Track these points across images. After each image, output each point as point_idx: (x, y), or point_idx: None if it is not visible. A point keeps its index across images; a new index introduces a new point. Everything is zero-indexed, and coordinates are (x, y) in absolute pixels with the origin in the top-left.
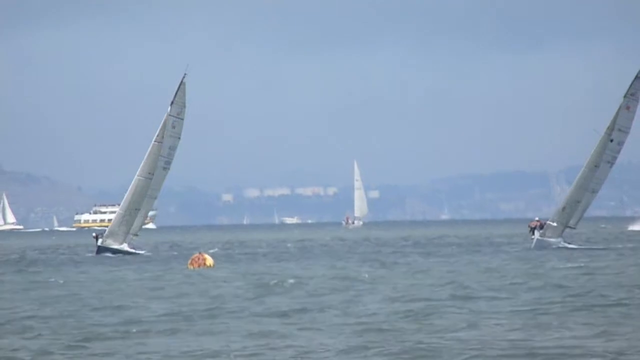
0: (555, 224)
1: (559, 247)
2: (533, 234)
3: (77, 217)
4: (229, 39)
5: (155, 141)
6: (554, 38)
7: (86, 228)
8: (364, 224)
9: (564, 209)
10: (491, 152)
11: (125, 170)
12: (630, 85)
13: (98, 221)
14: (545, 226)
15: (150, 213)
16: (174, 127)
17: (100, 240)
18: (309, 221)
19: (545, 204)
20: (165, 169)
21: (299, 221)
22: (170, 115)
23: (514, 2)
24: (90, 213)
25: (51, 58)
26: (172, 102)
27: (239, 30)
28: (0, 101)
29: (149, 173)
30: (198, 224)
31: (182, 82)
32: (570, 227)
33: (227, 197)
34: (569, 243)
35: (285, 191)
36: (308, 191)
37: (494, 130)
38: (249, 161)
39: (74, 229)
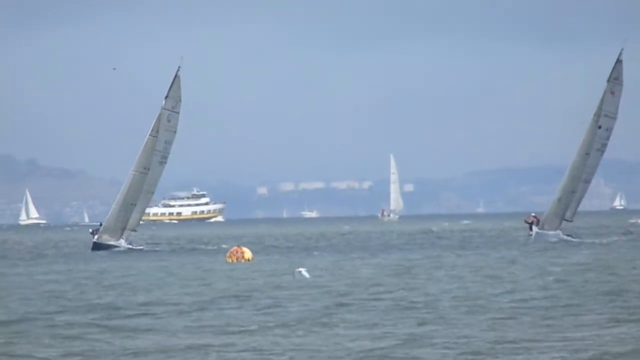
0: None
1: (558, 240)
2: (531, 229)
3: (146, 210)
4: (266, 34)
5: (150, 135)
6: (580, 36)
7: (157, 222)
8: (399, 217)
9: (559, 199)
10: (526, 146)
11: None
12: (613, 69)
13: (167, 214)
14: (542, 220)
15: (218, 206)
16: (169, 121)
17: (96, 236)
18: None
19: None
20: (162, 163)
21: (318, 215)
22: (164, 108)
23: None
24: (159, 206)
25: (77, 54)
26: (166, 96)
27: (278, 24)
28: (34, 98)
29: (145, 168)
30: (234, 218)
31: (176, 75)
32: (567, 220)
33: (262, 190)
34: (568, 235)
35: (320, 185)
36: (343, 185)
37: (529, 124)
38: (283, 155)
39: (142, 222)
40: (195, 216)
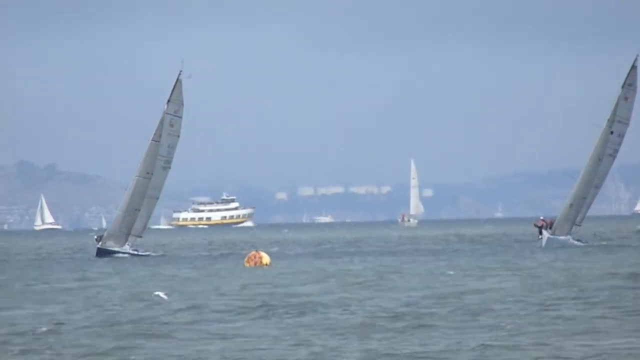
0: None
1: (570, 244)
2: (541, 233)
3: (175, 215)
4: (285, 37)
5: (152, 140)
6: (600, 39)
7: (185, 226)
8: (419, 222)
9: (571, 205)
10: (544, 150)
11: (180, 170)
12: (628, 75)
13: (197, 219)
14: (554, 225)
15: (247, 211)
16: (172, 125)
17: (100, 243)
18: (348, 220)
19: (598, 202)
20: (165, 168)
21: (332, 220)
22: (167, 113)
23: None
24: (189, 211)
25: (93, 59)
26: (168, 100)
27: (300, 28)
28: (53, 103)
29: (148, 173)
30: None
31: (178, 79)
32: (576, 225)
33: (281, 195)
34: (577, 240)
35: (339, 190)
36: (362, 190)
37: (547, 128)
38: (302, 160)
39: (172, 227)
40: (225, 221)
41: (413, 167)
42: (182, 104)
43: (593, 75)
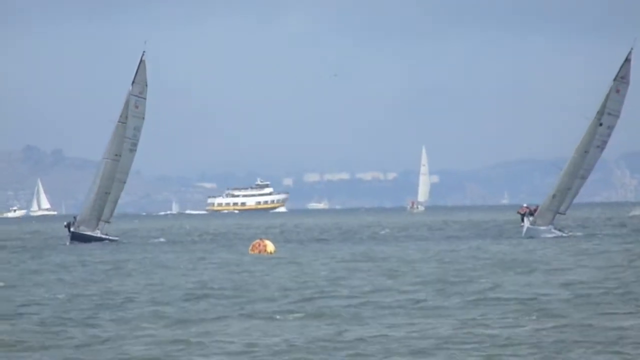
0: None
1: (550, 235)
2: (523, 220)
3: (210, 201)
4: (298, 23)
5: (118, 122)
6: (602, 30)
7: (220, 211)
8: (426, 208)
9: (554, 196)
10: (551, 138)
11: (186, 155)
12: (620, 68)
13: (232, 204)
14: (535, 214)
15: (281, 197)
16: (137, 107)
17: (73, 227)
18: (337, 207)
19: (604, 189)
20: (132, 150)
21: (326, 207)
22: (132, 94)
23: None
24: (223, 197)
25: (99, 44)
26: (133, 82)
27: (309, 17)
28: (59, 88)
29: (116, 155)
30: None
31: (141, 60)
32: (560, 214)
33: (288, 181)
34: (559, 230)
35: (345, 176)
36: (368, 176)
37: (554, 116)
38: (309, 146)
39: (206, 212)
40: (260, 206)
41: (424, 154)
42: (146, 85)
43: (600, 63)
